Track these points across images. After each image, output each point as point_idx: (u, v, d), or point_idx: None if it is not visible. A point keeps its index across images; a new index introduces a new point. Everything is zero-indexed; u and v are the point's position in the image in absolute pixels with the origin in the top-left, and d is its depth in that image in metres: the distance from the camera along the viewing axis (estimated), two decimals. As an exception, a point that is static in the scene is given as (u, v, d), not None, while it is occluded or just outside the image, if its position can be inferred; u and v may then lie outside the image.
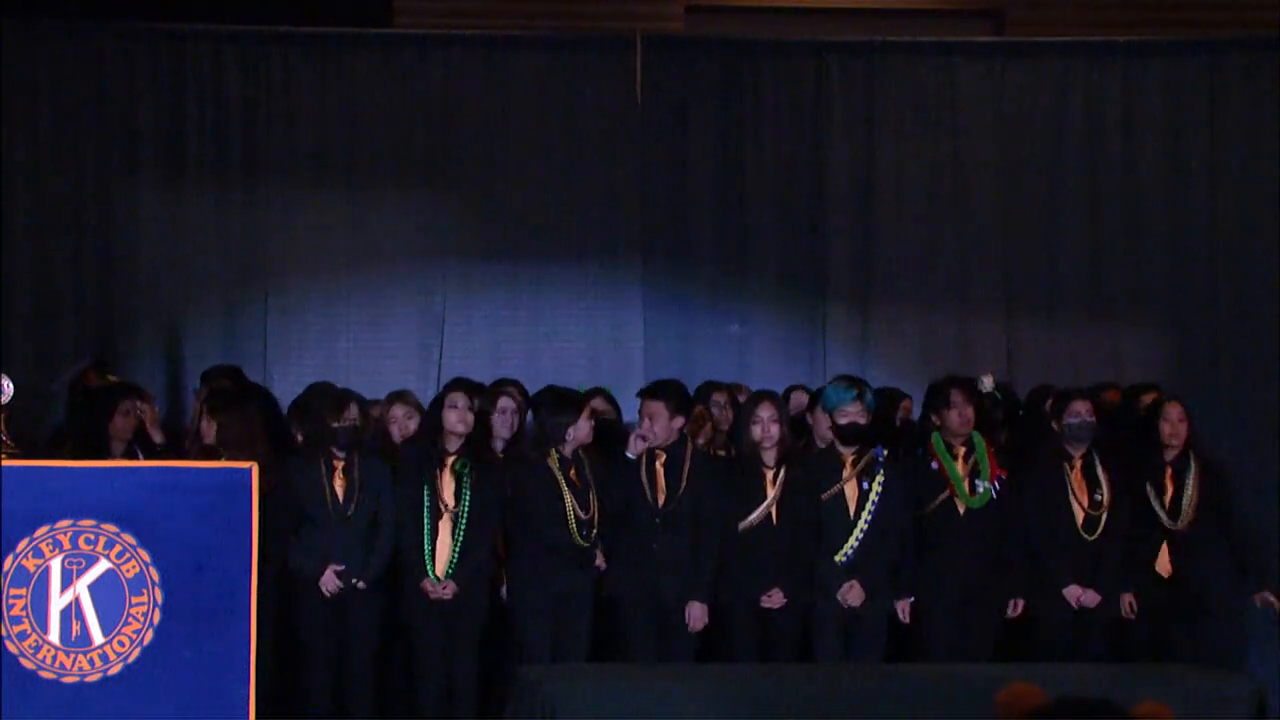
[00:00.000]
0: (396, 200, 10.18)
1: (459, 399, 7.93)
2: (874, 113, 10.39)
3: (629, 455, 7.97)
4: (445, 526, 7.85)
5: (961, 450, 8.27)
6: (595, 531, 7.89)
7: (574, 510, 7.84)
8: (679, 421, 8.05)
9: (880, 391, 8.67)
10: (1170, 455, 8.41)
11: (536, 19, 10.57)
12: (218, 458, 7.58)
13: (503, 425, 8.24)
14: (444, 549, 7.82)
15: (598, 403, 8.49)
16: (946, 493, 8.23)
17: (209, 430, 7.80)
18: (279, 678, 7.79)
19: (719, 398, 8.71)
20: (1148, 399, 8.84)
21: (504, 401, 8.33)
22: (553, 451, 7.88)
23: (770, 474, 8.07)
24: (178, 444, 8.26)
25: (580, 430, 7.91)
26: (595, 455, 8.05)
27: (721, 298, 10.26)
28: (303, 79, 10.11)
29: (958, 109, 10.43)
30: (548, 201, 10.20)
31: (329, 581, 7.75)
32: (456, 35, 10.26)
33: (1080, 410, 8.29)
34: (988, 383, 8.92)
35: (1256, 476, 9.67)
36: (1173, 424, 8.38)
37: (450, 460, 7.88)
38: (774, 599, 7.99)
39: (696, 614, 7.91)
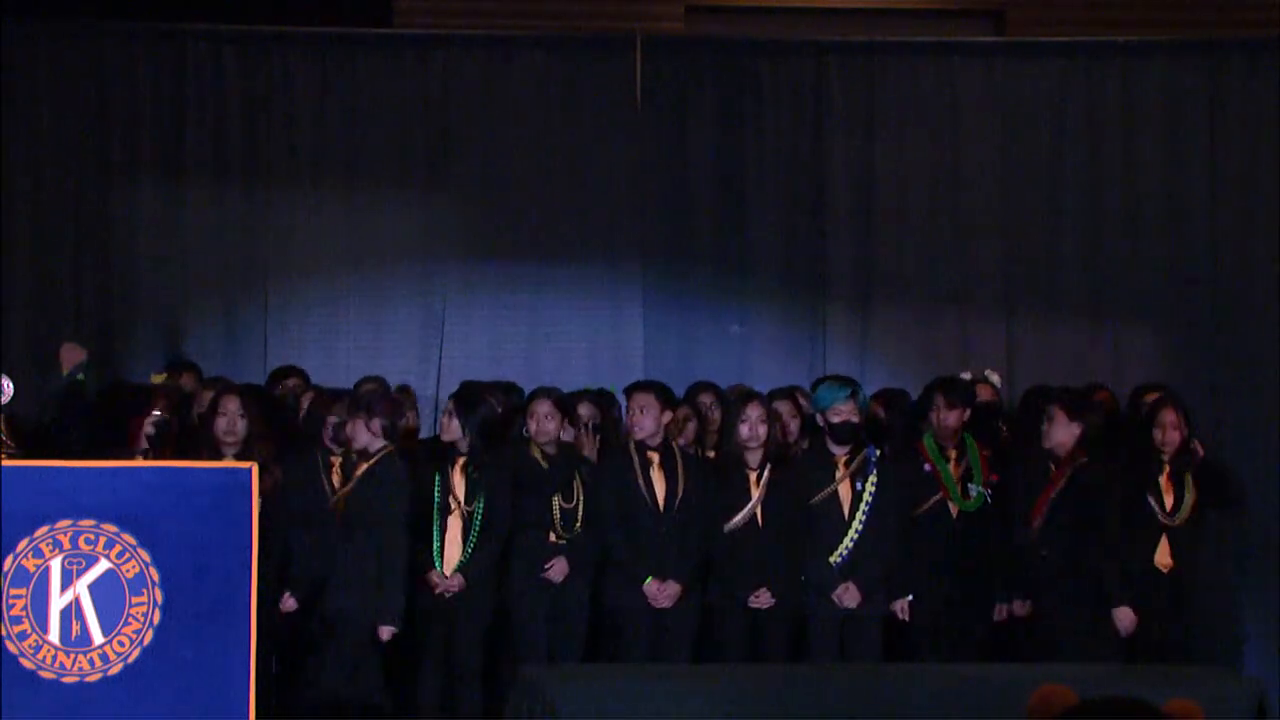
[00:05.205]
0: (396, 200, 10.17)
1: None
2: (874, 113, 10.38)
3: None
4: (455, 524, 7.88)
5: (954, 453, 8.27)
6: (579, 524, 7.92)
7: (556, 498, 7.90)
8: (667, 416, 8.08)
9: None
10: (1166, 458, 8.40)
11: (536, 19, 10.56)
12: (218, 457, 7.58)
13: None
14: (453, 546, 7.85)
15: (584, 407, 8.50)
16: (939, 495, 8.23)
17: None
18: (277, 677, 7.80)
19: (705, 399, 8.71)
20: (1150, 399, 8.81)
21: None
22: (532, 442, 7.93)
23: (754, 475, 8.06)
24: (181, 443, 8.24)
25: (542, 425, 7.96)
26: (579, 454, 8.13)
27: (721, 298, 10.25)
28: (303, 79, 10.10)
29: (958, 109, 10.42)
30: (547, 201, 10.19)
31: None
32: (456, 35, 10.25)
33: None
34: (995, 378, 8.92)
35: (1256, 477, 9.66)
36: (1166, 430, 8.37)
37: (461, 460, 7.91)
38: (762, 599, 7.98)
39: (670, 592, 7.88)
